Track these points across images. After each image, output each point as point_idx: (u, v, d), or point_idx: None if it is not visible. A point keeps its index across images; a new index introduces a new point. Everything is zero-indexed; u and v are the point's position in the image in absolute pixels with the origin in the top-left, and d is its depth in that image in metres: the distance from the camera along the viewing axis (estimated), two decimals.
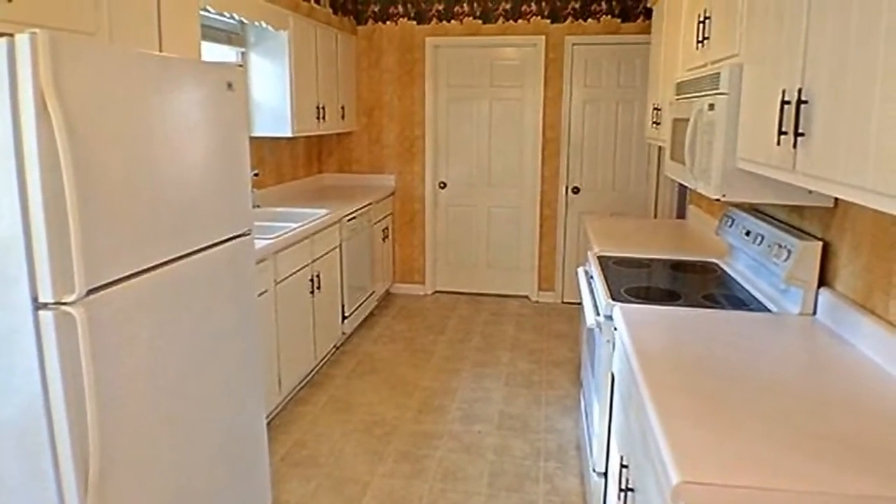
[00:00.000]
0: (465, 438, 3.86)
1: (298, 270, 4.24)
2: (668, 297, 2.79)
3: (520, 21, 6.20)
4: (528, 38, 6.22)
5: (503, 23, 6.23)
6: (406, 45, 6.44)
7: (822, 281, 2.49)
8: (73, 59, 1.82)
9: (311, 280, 4.47)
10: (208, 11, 3.78)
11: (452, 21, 6.30)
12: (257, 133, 4.97)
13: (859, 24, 1.48)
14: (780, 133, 1.87)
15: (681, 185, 5.82)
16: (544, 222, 6.54)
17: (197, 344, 2.49)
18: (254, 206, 4.59)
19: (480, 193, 6.66)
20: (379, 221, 6.21)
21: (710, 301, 2.72)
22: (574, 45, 6.16)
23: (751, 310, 2.60)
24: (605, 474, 2.79)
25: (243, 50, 4.92)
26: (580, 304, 4.56)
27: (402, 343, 5.42)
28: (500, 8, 6.20)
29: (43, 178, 1.74)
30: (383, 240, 6.39)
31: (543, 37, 6.17)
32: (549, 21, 6.15)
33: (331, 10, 5.69)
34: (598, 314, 2.86)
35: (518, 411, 4.22)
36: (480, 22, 6.26)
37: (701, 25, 3.09)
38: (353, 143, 6.73)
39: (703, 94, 2.70)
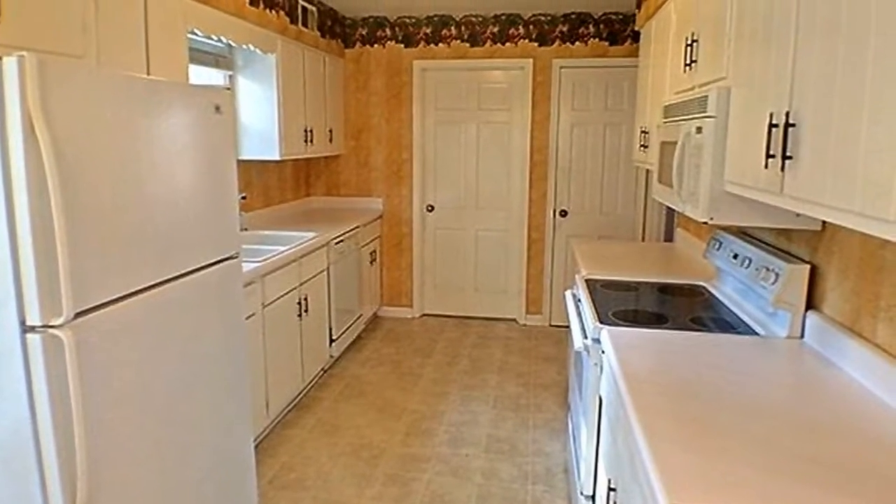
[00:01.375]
0: (452, 461, 3.84)
1: (286, 294, 4.23)
2: (656, 320, 2.79)
3: (507, 44, 6.24)
4: (516, 61, 6.26)
5: (491, 46, 6.26)
6: (394, 68, 6.47)
7: (810, 304, 2.50)
8: (60, 83, 1.82)
9: (299, 303, 4.46)
10: (196, 34, 3.79)
11: (440, 44, 6.34)
12: (245, 156, 4.97)
13: (847, 47, 1.49)
14: (768, 156, 1.88)
15: (668, 208, 5.85)
16: (532, 245, 6.55)
17: (185, 367, 2.47)
18: (241, 230, 4.57)
19: (468, 216, 6.67)
20: (367, 244, 6.20)
21: (698, 324, 2.72)
22: (562, 68, 6.20)
23: (738, 333, 2.61)
24: (593, 497, 2.77)
25: (231, 73, 4.92)
26: (568, 327, 4.56)
27: (390, 366, 5.40)
28: (488, 31, 6.24)
29: (31, 201, 1.73)
30: (371, 263, 6.38)
31: (531, 60, 6.21)
32: (536, 44, 6.19)
33: (318, 34, 5.71)
34: (585, 337, 2.86)
35: (506, 434, 4.20)
36: (468, 45, 6.30)
37: (689, 48, 3.11)
38: (341, 167, 6.73)
39: (690, 117, 2.72)
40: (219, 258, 2.72)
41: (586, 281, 3.47)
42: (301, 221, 5.68)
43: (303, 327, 4.54)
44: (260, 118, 4.93)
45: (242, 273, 3.00)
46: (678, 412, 1.84)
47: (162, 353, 2.33)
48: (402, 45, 6.41)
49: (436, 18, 6.30)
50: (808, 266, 2.47)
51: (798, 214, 2.34)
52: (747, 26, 2.27)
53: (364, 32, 6.45)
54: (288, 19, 5.03)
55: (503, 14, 6.19)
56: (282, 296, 4.16)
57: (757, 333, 2.59)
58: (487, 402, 4.71)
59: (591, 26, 6.07)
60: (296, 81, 5.24)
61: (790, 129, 1.77)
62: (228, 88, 3.06)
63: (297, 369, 4.47)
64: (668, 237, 5.85)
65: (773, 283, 2.54)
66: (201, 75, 4.64)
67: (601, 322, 2.72)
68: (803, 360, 2.28)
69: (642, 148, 4.45)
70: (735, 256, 3.00)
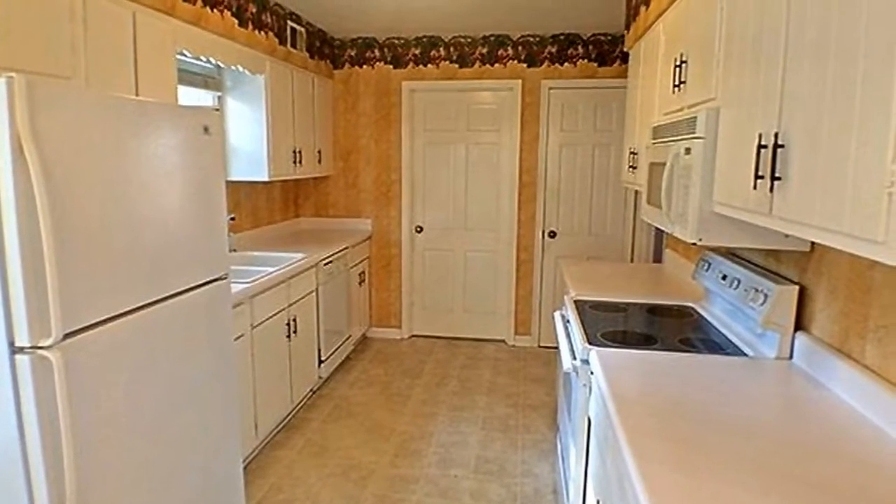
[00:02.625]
0: (441, 482, 3.81)
1: (275, 314, 4.21)
2: (645, 341, 2.79)
3: (496, 65, 6.26)
4: (505, 82, 6.28)
5: (480, 67, 6.29)
6: (383, 89, 6.49)
7: (799, 325, 2.51)
8: (49, 103, 1.82)
9: (288, 324, 4.44)
10: (185, 55, 3.79)
11: (429, 65, 6.36)
12: (234, 177, 4.96)
13: (836, 68, 1.50)
14: (757, 177, 1.88)
15: (657, 229, 5.86)
16: (521, 266, 6.56)
17: (173, 388, 2.46)
18: (230, 251, 4.57)
19: (457, 237, 6.67)
20: (355, 265, 6.19)
21: (687, 345, 2.72)
22: (550, 89, 6.23)
23: (727, 354, 2.61)
24: None
25: (220, 94, 4.93)
26: (557, 348, 4.55)
27: (379, 387, 5.37)
28: (477, 52, 6.27)
29: (19, 222, 1.72)
30: (360, 284, 6.36)
31: (520, 81, 6.24)
32: (525, 65, 6.22)
33: (307, 55, 5.73)
34: (574, 358, 2.85)
35: (495, 455, 4.18)
36: (457, 66, 6.32)
37: (677, 69, 3.12)
38: (330, 187, 6.73)
39: (679, 138, 2.73)
40: (207, 279, 2.71)
41: (575, 302, 3.47)
42: (290, 242, 5.67)
43: (292, 348, 4.52)
44: (249, 139, 4.93)
45: (231, 294, 2.98)
46: (667, 433, 1.84)
47: (151, 374, 2.32)
48: (391, 66, 6.43)
49: (425, 39, 6.33)
50: (796, 287, 2.48)
51: (787, 235, 2.35)
52: (736, 47, 2.28)
53: (353, 53, 6.47)
54: (277, 40, 5.04)
55: (492, 35, 6.23)
56: (270, 317, 4.14)
57: (746, 354, 2.60)
58: (476, 422, 4.69)
59: (579, 47, 6.11)
60: (284, 102, 5.25)
61: (779, 150, 1.78)
62: (217, 109, 3.06)
63: (286, 390, 4.44)
64: (657, 258, 5.87)
65: (761, 304, 2.54)
66: (190, 96, 4.64)
67: (590, 343, 2.72)
68: (792, 381, 2.28)
69: (631, 169, 4.46)
70: (724, 277, 3.00)
